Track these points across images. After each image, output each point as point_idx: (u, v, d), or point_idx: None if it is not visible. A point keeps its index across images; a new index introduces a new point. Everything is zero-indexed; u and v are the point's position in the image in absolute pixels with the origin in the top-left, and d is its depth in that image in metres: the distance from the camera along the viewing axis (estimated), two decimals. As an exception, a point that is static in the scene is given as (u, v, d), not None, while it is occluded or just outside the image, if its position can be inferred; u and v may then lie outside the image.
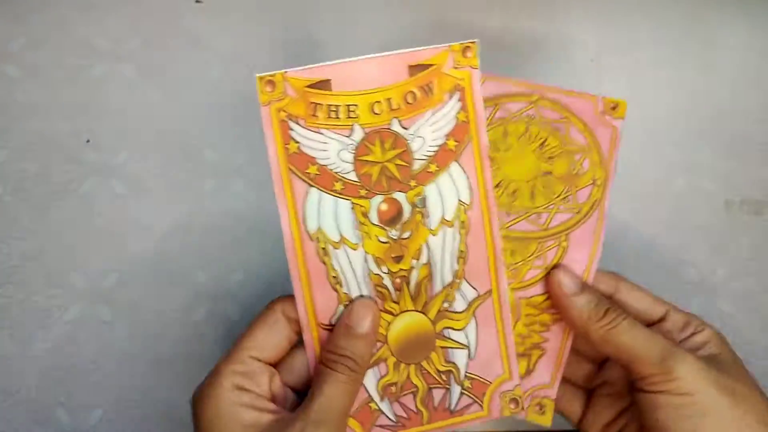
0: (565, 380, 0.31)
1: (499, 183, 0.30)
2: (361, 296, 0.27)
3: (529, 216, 0.31)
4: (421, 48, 0.27)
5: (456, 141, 0.27)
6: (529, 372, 0.31)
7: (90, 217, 0.39)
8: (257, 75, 0.26)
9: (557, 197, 0.31)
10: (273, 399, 0.27)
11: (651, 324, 0.29)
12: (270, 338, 0.27)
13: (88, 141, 0.40)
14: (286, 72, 0.26)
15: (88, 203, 0.39)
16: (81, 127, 0.40)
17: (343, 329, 0.27)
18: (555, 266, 0.30)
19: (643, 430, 0.27)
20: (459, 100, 0.27)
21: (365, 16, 0.44)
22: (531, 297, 0.31)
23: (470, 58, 0.27)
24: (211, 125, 0.41)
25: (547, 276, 0.30)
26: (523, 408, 0.29)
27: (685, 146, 0.43)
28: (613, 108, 0.32)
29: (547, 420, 0.30)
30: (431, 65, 0.27)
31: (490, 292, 0.29)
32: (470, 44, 0.27)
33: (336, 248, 0.27)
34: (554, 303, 0.29)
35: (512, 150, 0.31)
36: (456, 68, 0.27)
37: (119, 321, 0.37)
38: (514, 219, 0.31)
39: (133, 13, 0.43)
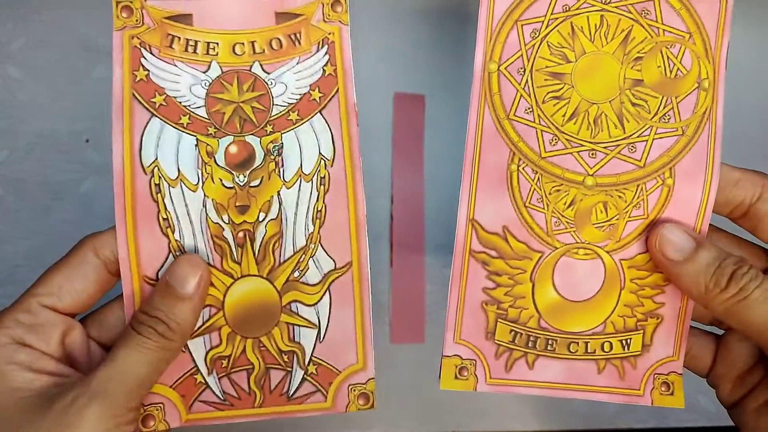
0: (694, 327, 0.25)
1: (574, 112, 0.24)
2: (193, 253, 0.24)
3: (620, 150, 0.24)
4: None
5: (321, 93, 0.26)
6: (646, 347, 0.25)
7: (90, 217, 0.39)
8: (115, 0, 0.25)
9: (654, 117, 0.24)
10: (67, 358, 0.23)
11: None
12: (72, 283, 0.23)
13: (87, 141, 0.40)
14: (146, 1, 0.25)
15: (88, 203, 0.39)
16: (81, 127, 0.41)
17: (162, 287, 0.23)
18: (655, 221, 0.23)
19: None
20: (327, 53, 0.26)
21: (366, 16, 0.44)
22: (635, 257, 0.25)
23: (340, 13, 0.26)
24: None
25: (648, 237, 0.24)
26: (373, 406, 0.25)
27: (684, 146, 0.43)
28: None
29: (679, 401, 0.24)
30: (299, 15, 0.26)
31: (350, 264, 0.25)
32: (339, 1, 0.26)
33: (172, 186, 0.25)
34: (662, 271, 0.23)
35: (585, 57, 0.24)
36: (325, 21, 0.26)
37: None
38: (601, 160, 0.24)
39: (133, 12, 0.43)
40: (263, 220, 0.25)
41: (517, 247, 0.24)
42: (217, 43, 0.25)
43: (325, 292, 0.25)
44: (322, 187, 0.25)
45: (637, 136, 0.24)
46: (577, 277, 0.24)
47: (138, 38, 0.25)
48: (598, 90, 0.24)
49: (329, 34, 0.26)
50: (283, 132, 0.25)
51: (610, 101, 0.24)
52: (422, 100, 0.42)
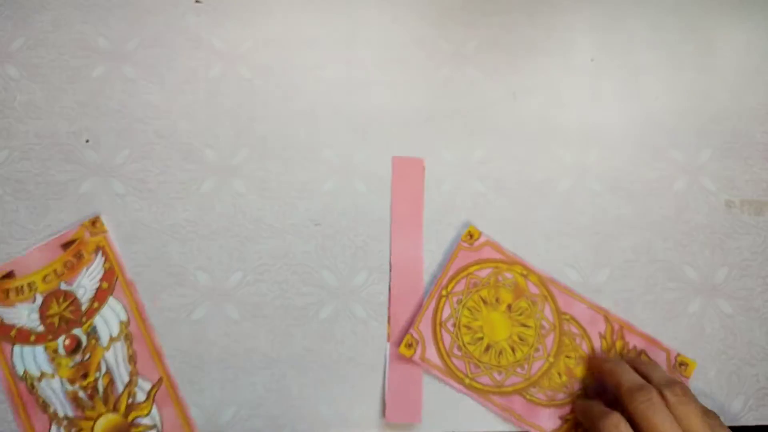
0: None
1: (486, 347, 0.37)
2: None
3: (515, 369, 0.37)
4: (64, 232, 0.38)
5: (107, 282, 0.37)
6: None
7: (90, 217, 0.39)
8: None
9: (532, 307, 0.38)
10: None
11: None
12: None
13: (87, 141, 0.40)
14: None
15: (88, 203, 0.39)
16: (81, 127, 0.40)
17: None
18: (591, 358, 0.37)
19: None
20: (102, 255, 0.38)
21: (365, 16, 0.44)
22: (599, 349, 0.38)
23: (99, 226, 0.38)
24: (211, 125, 0.41)
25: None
26: None
27: (685, 146, 0.43)
28: (470, 237, 0.39)
29: None
30: (75, 240, 0.38)
31: (161, 379, 0.36)
32: (96, 219, 0.38)
33: (39, 381, 0.35)
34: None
35: (484, 326, 0.38)
36: (92, 236, 0.38)
37: (119, 321, 0.37)
38: (504, 377, 0.37)
39: (133, 13, 0.43)
40: (99, 376, 0.36)
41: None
42: (34, 281, 0.37)
43: (152, 403, 0.36)
44: (128, 341, 0.36)
45: (523, 360, 0.37)
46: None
47: None
48: (502, 333, 0.38)
49: (99, 242, 0.38)
50: (92, 318, 0.37)
51: (512, 332, 0.38)
52: (421, 164, 0.41)
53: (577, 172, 0.42)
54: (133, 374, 0.36)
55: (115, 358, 0.36)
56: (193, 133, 0.41)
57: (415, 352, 0.37)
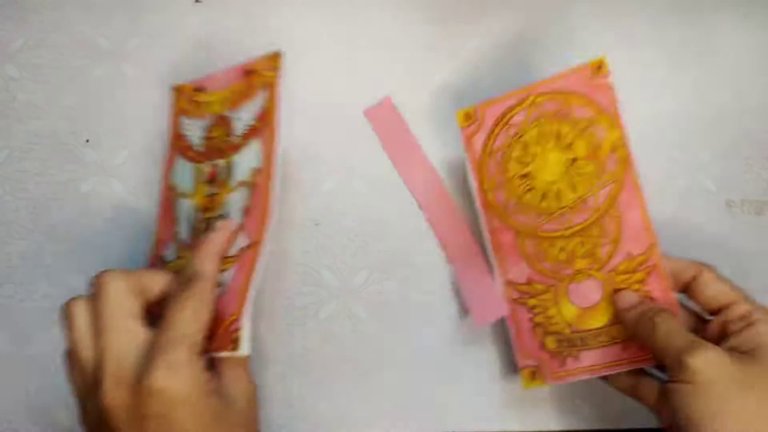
0: (644, 372, 0.33)
1: (543, 194, 0.35)
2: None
3: (578, 207, 0.34)
4: (252, 60, 0.36)
5: (260, 122, 0.34)
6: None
7: (90, 217, 0.39)
8: (171, 86, 0.39)
9: (593, 177, 0.34)
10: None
11: (716, 310, 0.31)
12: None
13: (87, 141, 0.40)
14: (184, 84, 0.38)
15: (88, 203, 0.39)
16: (81, 127, 0.40)
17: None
18: (618, 241, 0.33)
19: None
20: (266, 92, 0.35)
21: (364, 15, 0.44)
22: (616, 266, 0.33)
23: (275, 62, 0.35)
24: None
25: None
26: (237, 348, 0.30)
27: (685, 146, 0.43)
28: (599, 68, 0.34)
29: None
30: (255, 71, 0.35)
31: (254, 243, 0.32)
32: (276, 54, 0.35)
33: (183, 198, 0.35)
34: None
35: (538, 157, 0.35)
36: (267, 70, 0.35)
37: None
38: (570, 217, 0.34)
39: (133, 13, 0.43)
40: (215, 216, 0.34)
41: (539, 288, 0.35)
42: (212, 101, 0.37)
43: (235, 262, 0.32)
44: (251, 189, 0.33)
45: (588, 194, 0.34)
46: (583, 293, 0.34)
47: (181, 108, 0.38)
48: (552, 174, 0.35)
49: (269, 78, 0.35)
50: (234, 153, 0.34)
51: (562, 178, 0.34)
52: (389, 102, 0.42)
53: (578, 172, 0.42)
54: (242, 228, 0.33)
55: (233, 204, 0.33)
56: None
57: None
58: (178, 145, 0.37)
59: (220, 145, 0.35)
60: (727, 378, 0.27)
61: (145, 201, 0.39)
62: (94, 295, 0.28)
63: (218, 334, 0.30)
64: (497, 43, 0.44)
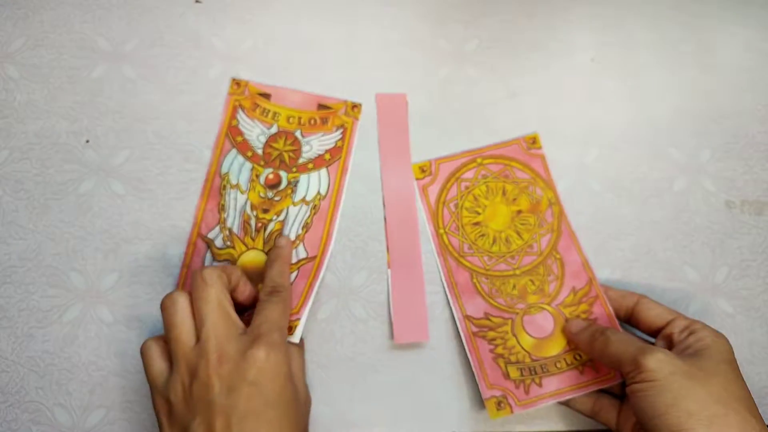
0: (604, 392, 0.36)
1: (494, 239, 0.40)
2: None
3: (525, 250, 0.40)
4: (329, 97, 0.42)
5: (330, 155, 0.41)
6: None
7: (90, 217, 0.39)
8: (232, 78, 0.42)
9: (535, 226, 0.40)
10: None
11: (659, 329, 0.35)
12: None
13: (87, 141, 0.40)
14: (249, 81, 0.42)
15: (88, 203, 0.39)
16: (81, 127, 0.40)
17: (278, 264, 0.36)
18: (563, 279, 0.39)
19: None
20: (341, 133, 0.41)
21: (365, 15, 0.44)
22: (563, 300, 0.38)
23: (356, 112, 0.42)
24: (211, 125, 0.41)
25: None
26: (292, 333, 0.35)
27: (685, 146, 0.43)
28: (533, 142, 0.42)
29: None
30: (331, 108, 0.42)
31: (315, 257, 0.38)
32: (357, 105, 0.42)
33: (231, 188, 0.39)
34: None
35: (488, 209, 0.40)
36: (345, 115, 0.41)
37: (119, 321, 0.37)
38: (518, 259, 0.39)
39: (133, 13, 0.43)
40: (274, 219, 0.39)
41: (497, 321, 0.38)
42: (279, 114, 0.41)
43: (297, 270, 0.38)
44: (313, 210, 0.39)
45: (531, 240, 0.40)
46: (538, 324, 0.38)
47: (238, 101, 0.41)
48: (500, 223, 0.40)
49: (346, 123, 0.41)
50: (301, 173, 0.40)
51: (509, 227, 0.40)
52: (404, 99, 0.42)
53: (577, 172, 0.42)
54: (300, 239, 0.39)
55: (295, 216, 0.39)
56: (193, 133, 0.41)
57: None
58: (235, 140, 0.40)
59: (284, 158, 0.40)
60: (679, 373, 0.30)
61: (145, 200, 0.39)
62: (195, 289, 0.32)
63: None
64: (497, 44, 0.44)
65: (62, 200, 0.39)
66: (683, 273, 0.40)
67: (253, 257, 0.38)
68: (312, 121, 0.41)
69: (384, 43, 0.44)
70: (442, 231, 0.40)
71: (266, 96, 0.41)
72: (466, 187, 0.41)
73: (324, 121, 0.41)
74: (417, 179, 0.41)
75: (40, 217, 0.39)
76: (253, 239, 0.38)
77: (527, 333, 0.38)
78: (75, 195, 0.39)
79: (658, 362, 0.30)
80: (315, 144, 0.40)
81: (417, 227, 0.40)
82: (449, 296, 0.38)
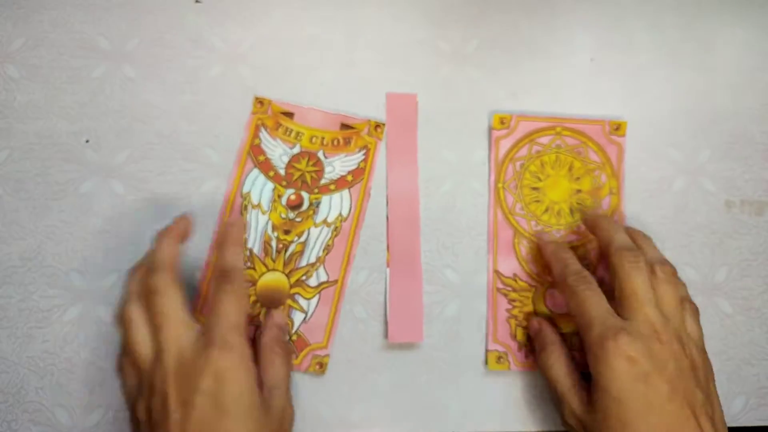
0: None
1: (547, 208, 0.40)
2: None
3: (572, 228, 0.40)
4: (352, 116, 0.41)
5: (353, 177, 0.40)
6: None
7: (90, 217, 0.39)
8: (255, 96, 0.41)
9: (589, 209, 0.40)
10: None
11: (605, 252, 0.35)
12: None
13: (87, 141, 0.40)
14: (272, 100, 0.41)
15: (88, 203, 0.39)
16: (81, 127, 0.40)
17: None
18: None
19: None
20: (364, 154, 0.41)
21: (365, 15, 0.44)
22: None
23: (379, 132, 0.41)
24: (211, 125, 0.41)
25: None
26: (324, 371, 0.37)
27: (685, 146, 0.43)
28: (617, 128, 0.42)
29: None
30: (354, 128, 0.41)
31: (336, 281, 0.38)
32: (380, 124, 0.41)
33: (253, 209, 0.39)
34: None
35: (550, 178, 0.41)
36: (369, 135, 0.41)
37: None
38: (563, 234, 0.40)
39: (133, 13, 0.43)
40: (296, 241, 0.39)
41: (522, 285, 0.39)
42: (303, 133, 0.41)
43: (317, 293, 0.38)
44: (334, 232, 0.39)
45: (581, 221, 0.40)
46: (558, 300, 0.39)
47: (261, 120, 0.41)
48: (558, 195, 0.41)
49: (369, 143, 0.41)
50: (324, 194, 0.40)
51: (565, 201, 0.41)
52: (414, 99, 0.42)
53: (577, 172, 0.42)
54: (320, 261, 0.38)
55: (316, 238, 0.39)
56: (193, 133, 0.41)
57: None
58: (257, 159, 0.40)
59: (306, 179, 0.40)
60: (629, 381, 0.29)
61: (145, 201, 0.39)
62: (148, 296, 0.30)
63: (303, 355, 0.37)
64: (497, 44, 0.44)
65: (62, 200, 0.39)
66: (683, 273, 0.40)
67: (273, 278, 0.38)
68: (335, 142, 0.40)
69: (384, 43, 0.44)
70: (500, 185, 0.40)
71: (289, 115, 0.41)
72: (537, 152, 0.41)
73: (347, 141, 0.41)
74: (494, 129, 0.41)
75: (40, 217, 0.39)
76: (273, 260, 0.38)
77: (546, 305, 0.39)
78: (75, 195, 0.39)
79: (610, 374, 0.30)
80: (337, 165, 0.40)
81: (419, 228, 0.40)
82: (487, 247, 0.40)
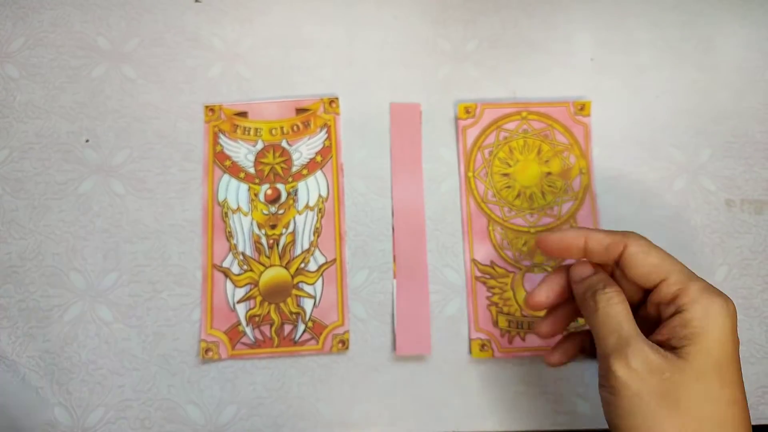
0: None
1: (519, 193, 0.41)
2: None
3: (545, 211, 0.41)
4: (304, 98, 0.42)
5: (321, 157, 0.41)
6: None
7: (90, 217, 0.39)
8: (204, 104, 0.41)
9: (560, 191, 0.41)
10: None
11: (650, 289, 0.29)
12: None
13: (87, 141, 0.40)
14: (222, 104, 0.41)
15: (88, 203, 0.39)
16: (80, 126, 0.40)
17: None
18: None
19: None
20: (326, 132, 0.41)
21: (363, 14, 0.44)
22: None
23: (334, 107, 0.41)
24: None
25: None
26: (347, 348, 0.37)
27: (685, 146, 0.43)
28: (581, 108, 0.42)
29: None
30: (309, 110, 0.41)
31: (334, 260, 0.39)
32: (334, 99, 0.42)
33: (233, 213, 0.39)
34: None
35: (519, 163, 0.41)
36: (325, 113, 0.41)
37: (119, 321, 0.37)
38: (537, 217, 0.40)
39: (133, 13, 0.43)
40: (284, 233, 0.39)
41: (500, 271, 0.40)
42: (261, 128, 0.41)
43: (320, 276, 0.39)
44: (320, 214, 0.40)
45: (554, 203, 0.41)
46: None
47: (218, 127, 0.41)
48: (528, 179, 0.41)
49: (328, 120, 0.41)
50: (298, 181, 0.40)
51: (535, 185, 0.41)
52: (418, 109, 0.42)
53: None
54: (313, 245, 0.39)
55: (303, 224, 0.39)
56: (192, 133, 0.41)
57: None
58: (223, 165, 0.40)
59: (277, 170, 0.40)
60: (647, 394, 0.26)
61: (145, 200, 0.39)
62: None
63: (323, 337, 0.37)
64: (497, 43, 0.44)
65: (62, 200, 0.39)
66: (683, 273, 0.40)
67: (274, 274, 0.38)
68: (295, 128, 0.41)
69: (384, 43, 0.44)
70: (471, 174, 0.41)
71: (243, 114, 0.41)
72: (505, 138, 0.41)
73: (306, 124, 0.41)
74: (459, 119, 0.42)
75: (40, 216, 0.39)
76: (268, 257, 0.38)
77: (525, 289, 0.39)
78: (75, 195, 0.39)
79: (628, 372, 0.26)
80: (304, 150, 0.40)
81: (425, 240, 0.39)
82: (462, 237, 0.40)
